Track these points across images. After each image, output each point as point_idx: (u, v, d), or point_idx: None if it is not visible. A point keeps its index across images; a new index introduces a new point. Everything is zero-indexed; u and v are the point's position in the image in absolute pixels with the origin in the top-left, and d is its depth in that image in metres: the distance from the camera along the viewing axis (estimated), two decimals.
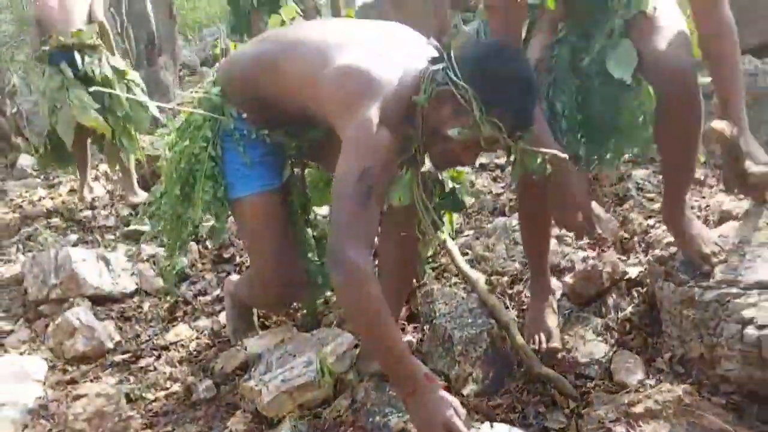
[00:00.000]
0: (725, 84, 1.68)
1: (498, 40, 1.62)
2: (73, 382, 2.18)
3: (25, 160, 4.80)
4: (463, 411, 1.50)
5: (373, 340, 1.50)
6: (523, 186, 1.90)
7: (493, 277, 2.37)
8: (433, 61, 1.55)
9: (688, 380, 1.74)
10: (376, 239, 1.80)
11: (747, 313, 1.68)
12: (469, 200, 1.95)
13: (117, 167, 3.85)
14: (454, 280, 2.32)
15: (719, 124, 1.57)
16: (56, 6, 3.72)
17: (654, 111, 1.65)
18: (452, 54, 1.53)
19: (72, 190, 4.19)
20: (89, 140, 3.87)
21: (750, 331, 1.65)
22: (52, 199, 4.12)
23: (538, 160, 1.59)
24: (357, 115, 1.48)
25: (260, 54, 1.79)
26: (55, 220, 3.65)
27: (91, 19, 3.78)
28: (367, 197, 1.45)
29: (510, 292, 2.27)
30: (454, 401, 1.49)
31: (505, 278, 2.36)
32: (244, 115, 1.82)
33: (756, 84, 3.18)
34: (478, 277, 2.20)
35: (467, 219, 2.88)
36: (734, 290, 1.73)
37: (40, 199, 4.10)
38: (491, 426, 1.55)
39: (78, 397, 2.05)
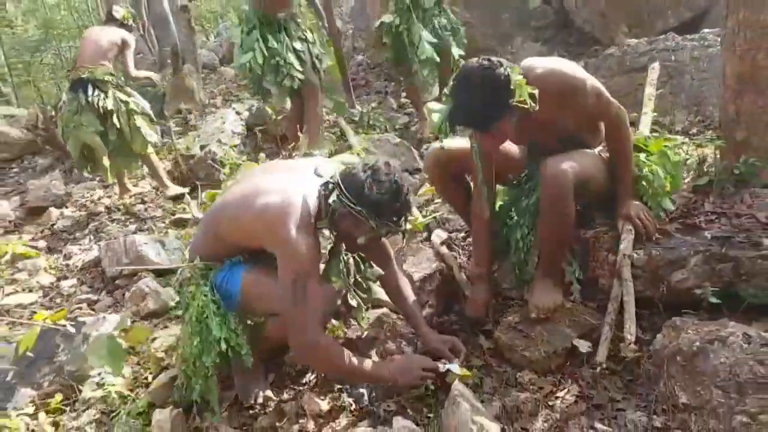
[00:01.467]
0: (621, 168, 2.37)
1: (374, 164, 2.05)
2: None
3: None
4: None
5: (356, 379, 2.20)
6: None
7: (452, 234, 3.12)
8: (325, 187, 2.08)
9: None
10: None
11: (610, 244, 2.39)
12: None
13: (113, 179, 4.68)
14: (419, 238, 3.06)
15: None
16: (92, 42, 4.56)
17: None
18: (340, 181, 2.02)
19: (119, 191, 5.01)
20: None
21: (611, 256, 2.37)
22: (108, 197, 4.94)
23: None
24: (280, 238, 1.96)
25: (203, 236, 2.27)
26: (115, 215, 4.48)
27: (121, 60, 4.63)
28: (304, 294, 1.94)
29: (463, 244, 3.02)
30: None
31: (461, 234, 3.10)
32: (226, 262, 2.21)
33: (675, 57, 3.79)
34: (437, 232, 2.94)
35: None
36: (605, 228, 2.45)
37: (99, 198, 4.93)
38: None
39: (155, 339, 2.87)
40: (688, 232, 2.35)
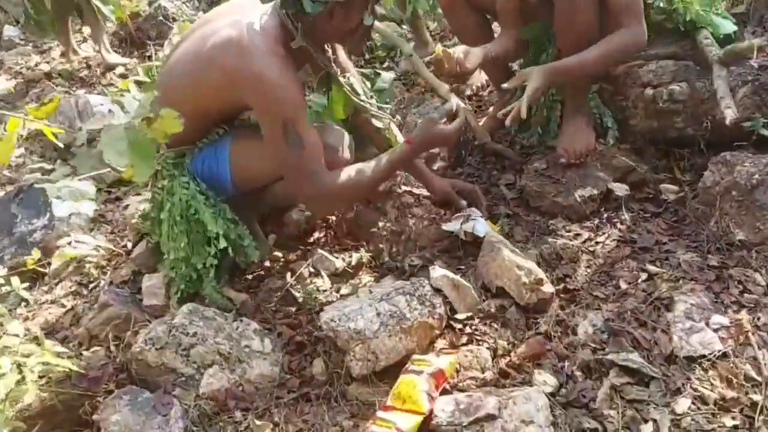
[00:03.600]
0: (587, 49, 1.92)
1: None
2: (118, 199, 2.67)
3: (10, 31, 4.90)
4: None
5: (380, 185, 1.92)
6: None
7: (462, 86, 2.83)
8: (282, 3, 1.65)
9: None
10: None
11: (646, 78, 2.15)
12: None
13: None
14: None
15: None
16: None
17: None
18: None
19: (62, 54, 4.42)
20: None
21: (648, 90, 2.13)
22: (47, 63, 4.36)
23: None
24: (248, 81, 1.61)
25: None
26: (58, 81, 3.96)
27: None
28: (299, 140, 1.64)
29: (473, 98, 2.75)
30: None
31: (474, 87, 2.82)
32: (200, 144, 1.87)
33: None
34: (440, 84, 2.63)
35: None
36: (638, 62, 2.19)
37: (36, 65, 4.33)
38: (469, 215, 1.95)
39: (126, 207, 2.55)
40: (731, 62, 2.11)
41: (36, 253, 2.13)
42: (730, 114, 1.78)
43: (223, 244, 1.80)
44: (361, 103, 1.94)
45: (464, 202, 2.04)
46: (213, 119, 1.83)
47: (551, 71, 1.91)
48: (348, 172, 1.75)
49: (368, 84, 2.00)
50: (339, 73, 1.89)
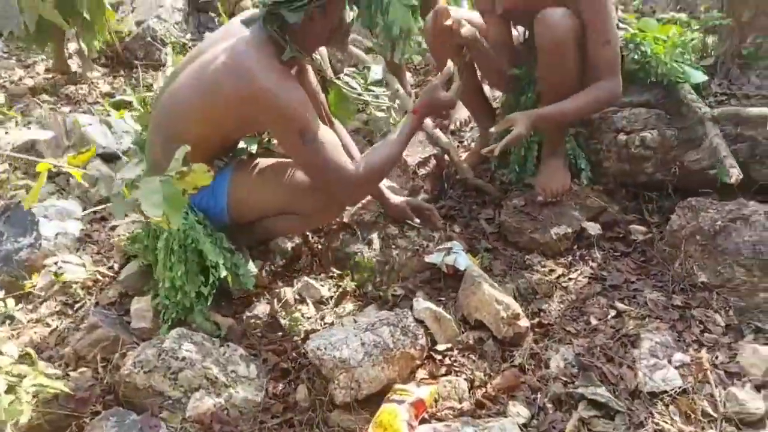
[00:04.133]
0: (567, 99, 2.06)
1: None
2: (104, 219, 2.70)
3: None
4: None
5: (399, 158, 1.95)
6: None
7: (445, 121, 2.93)
8: (264, 20, 1.74)
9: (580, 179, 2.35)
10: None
11: (619, 124, 2.28)
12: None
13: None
14: None
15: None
16: None
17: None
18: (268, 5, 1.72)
19: (47, 70, 4.43)
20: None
21: (621, 136, 2.26)
22: (31, 78, 4.36)
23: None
24: (256, 104, 1.69)
25: (161, 149, 1.83)
26: (43, 97, 3.96)
27: None
28: (318, 141, 1.73)
29: (456, 133, 2.86)
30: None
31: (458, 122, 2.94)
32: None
33: None
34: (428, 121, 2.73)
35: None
36: (613, 109, 2.32)
37: (20, 79, 4.34)
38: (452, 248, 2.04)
39: (114, 227, 2.58)
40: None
41: (35, 278, 2.16)
42: (735, 173, 1.92)
43: (223, 273, 1.84)
44: (360, 97, 2.05)
45: (417, 220, 2.17)
46: (216, 149, 1.89)
47: (535, 118, 2.04)
48: (367, 157, 1.85)
49: (362, 80, 2.09)
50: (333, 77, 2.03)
